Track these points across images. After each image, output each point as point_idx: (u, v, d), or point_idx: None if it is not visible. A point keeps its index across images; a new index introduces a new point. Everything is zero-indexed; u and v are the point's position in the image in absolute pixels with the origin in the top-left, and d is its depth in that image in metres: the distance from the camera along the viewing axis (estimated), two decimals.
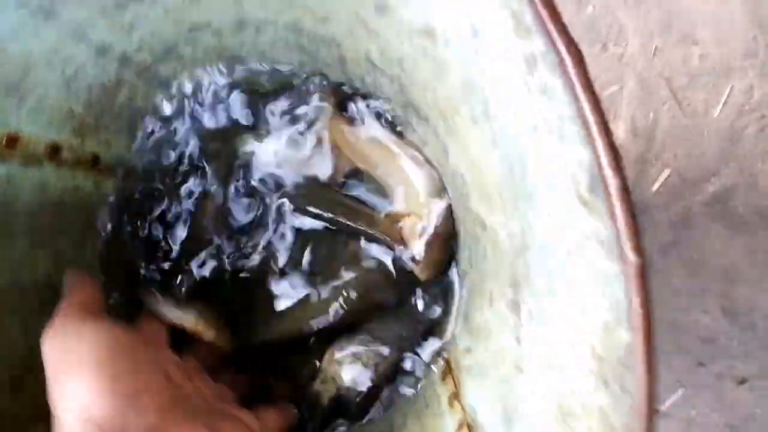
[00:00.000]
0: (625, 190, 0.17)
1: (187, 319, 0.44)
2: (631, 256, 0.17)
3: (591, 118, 0.17)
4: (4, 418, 0.38)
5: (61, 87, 0.39)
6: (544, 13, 0.17)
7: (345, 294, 0.44)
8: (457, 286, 0.43)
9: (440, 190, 0.42)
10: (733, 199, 0.66)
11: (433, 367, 0.44)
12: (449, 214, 0.42)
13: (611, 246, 0.18)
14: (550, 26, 0.17)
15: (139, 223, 0.48)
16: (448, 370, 0.42)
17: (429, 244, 0.41)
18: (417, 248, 0.41)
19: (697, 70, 0.65)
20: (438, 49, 0.28)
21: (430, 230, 0.41)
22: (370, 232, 0.44)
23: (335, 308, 0.44)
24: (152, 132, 0.47)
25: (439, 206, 0.41)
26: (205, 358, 0.44)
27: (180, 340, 0.43)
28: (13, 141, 0.39)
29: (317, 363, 0.45)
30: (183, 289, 0.46)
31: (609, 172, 0.17)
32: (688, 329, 0.67)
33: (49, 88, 0.39)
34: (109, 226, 0.47)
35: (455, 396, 0.39)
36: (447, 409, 0.40)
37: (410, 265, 0.43)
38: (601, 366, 0.21)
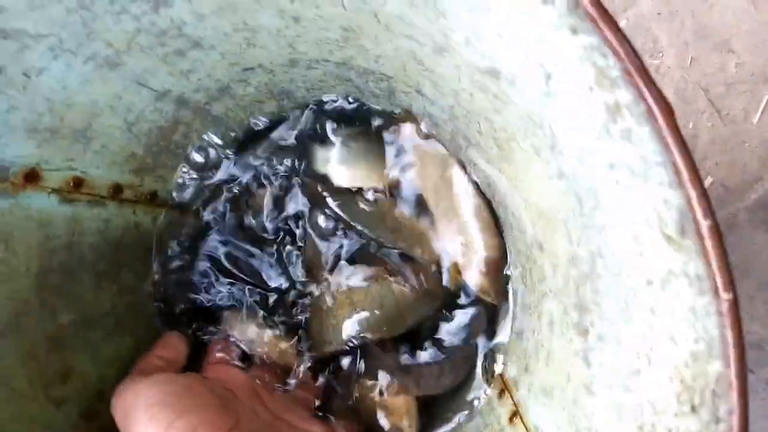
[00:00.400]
0: (717, 231, 0.18)
1: (266, 334, 0.47)
2: (725, 294, 0.18)
3: (682, 164, 0.18)
4: None
5: (124, 131, 0.41)
6: (632, 68, 0.18)
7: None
8: (511, 303, 0.44)
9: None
10: None
11: (487, 387, 0.45)
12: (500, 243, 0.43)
13: (702, 282, 0.19)
14: (639, 80, 0.18)
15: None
16: (504, 389, 0.43)
17: (487, 274, 0.43)
18: (475, 280, 0.43)
19: (734, 79, 0.66)
20: (501, 87, 0.29)
21: (484, 258, 0.43)
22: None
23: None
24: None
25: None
26: (271, 375, 0.47)
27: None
28: (79, 183, 0.41)
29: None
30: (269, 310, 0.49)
31: (701, 215, 0.18)
32: None
33: (113, 132, 0.41)
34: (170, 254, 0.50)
35: (516, 414, 0.40)
36: (507, 426, 0.41)
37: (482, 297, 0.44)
38: (689, 393, 0.22)
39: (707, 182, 0.66)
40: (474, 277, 0.44)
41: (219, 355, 0.46)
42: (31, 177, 0.38)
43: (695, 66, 0.66)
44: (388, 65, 0.37)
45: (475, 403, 0.45)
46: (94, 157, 0.41)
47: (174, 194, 0.49)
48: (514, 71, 0.26)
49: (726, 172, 0.66)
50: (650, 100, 0.18)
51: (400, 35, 0.32)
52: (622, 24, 0.65)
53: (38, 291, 0.40)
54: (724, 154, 0.66)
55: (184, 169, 0.49)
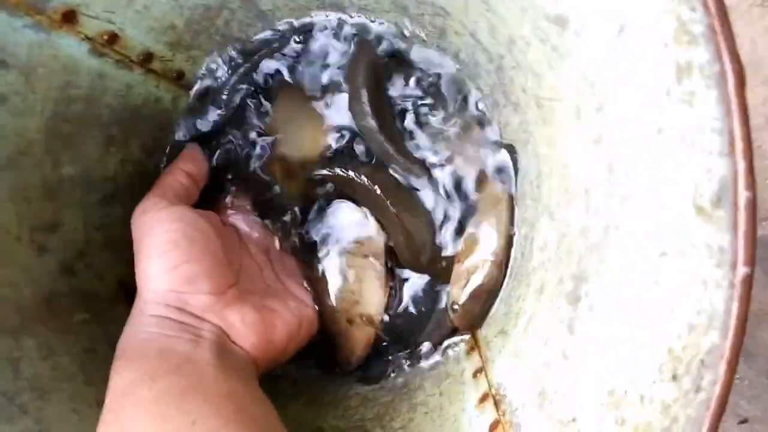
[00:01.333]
0: (754, 205, 0.18)
1: None
2: (744, 267, 0.18)
3: (740, 132, 0.18)
4: (58, 299, 0.40)
5: None
6: (718, 24, 0.18)
7: None
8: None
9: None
10: None
11: (460, 342, 0.45)
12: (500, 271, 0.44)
13: (724, 255, 0.19)
14: (721, 39, 0.18)
15: None
16: (475, 346, 0.44)
17: (474, 297, 0.44)
18: (458, 296, 0.44)
19: None
20: (564, 38, 0.28)
21: (477, 282, 0.43)
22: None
23: None
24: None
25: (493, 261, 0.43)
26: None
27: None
28: (113, 39, 0.40)
29: None
30: None
31: (743, 186, 0.18)
32: None
33: None
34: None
35: (481, 370, 0.41)
36: (470, 380, 0.42)
37: (450, 312, 0.45)
38: (674, 362, 0.22)
39: None
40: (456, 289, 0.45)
41: (237, 202, 0.47)
42: (69, 17, 0.37)
43: None
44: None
45: (447, 352, 0.46)
46: (135, 17, 0.40)
47: (200, 80, 0.48)
48: (585, 20, 0.26)
49: None
50: (727, 62, 0.18)
51: None
52: None
53: (46, 135, 0.39)
54: None
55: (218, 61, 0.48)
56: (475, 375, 0.41)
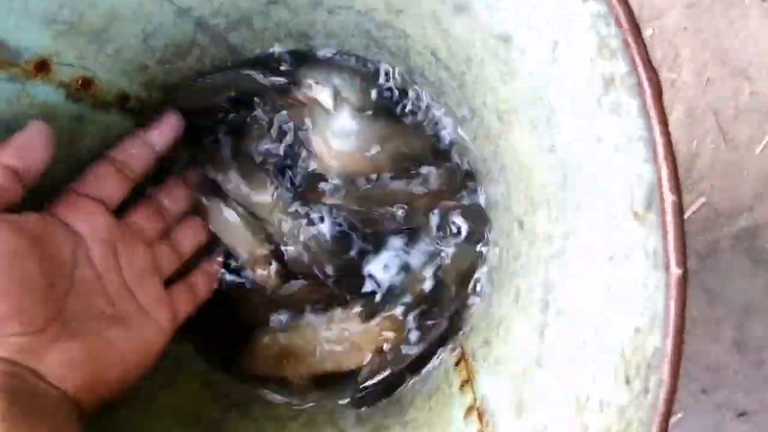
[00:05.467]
0: (680, 208, 0.19)
1: None
2: (676, 269, 0.19)
3: (660, 140, 0.19)
4: None
5: (140, 41, 0.42)
6: (630, 39, 0.19)
7: None
8: (484, 280, 0.45)
9: None
10: (762, 237, 0.68)
11: (450, 353, 0.46)
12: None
13: (658, 257, 0.20)
14: (635, 52, 0.19)
15: None
16: (462, 357, 0.45)
17: None
18: None
19: (745, 106, 0.66)
20: (511, 54, 0.29)
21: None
22: None
23: None
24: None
25: None
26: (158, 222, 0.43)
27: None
28: (87, 83, 0.42)
29: None
30: None
31: (667, 190, 0.19)
32: (697, 356, 0.69)
33: (129, 40, 0.41)
34: None
35: (467, 382, 0.42)
36: (457, 393, 0.42)
37: None
38: (626, 366, 0.23)
39: (699, 202, 0.67)
40: None
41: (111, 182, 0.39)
42: (42, 66, 0.38)
43: (710, 87, 0.66)
44: (409, 22, 0.38)
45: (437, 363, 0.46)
46: (107, 61, 0.42)
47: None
48: (525, 37, 0.27)
49: (719, 196, 0.67)
50: (642, 73, 0.19)
51: None
52: (647, 33, 0.66)
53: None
54: (721, 179, 0.67)
55: None
56: (462, 387, 0.42)
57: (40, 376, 0.30)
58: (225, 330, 0.49)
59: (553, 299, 0.31)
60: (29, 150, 0.35)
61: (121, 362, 0.34)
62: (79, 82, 0.41)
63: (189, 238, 0.46)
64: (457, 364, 0.45)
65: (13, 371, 0.29)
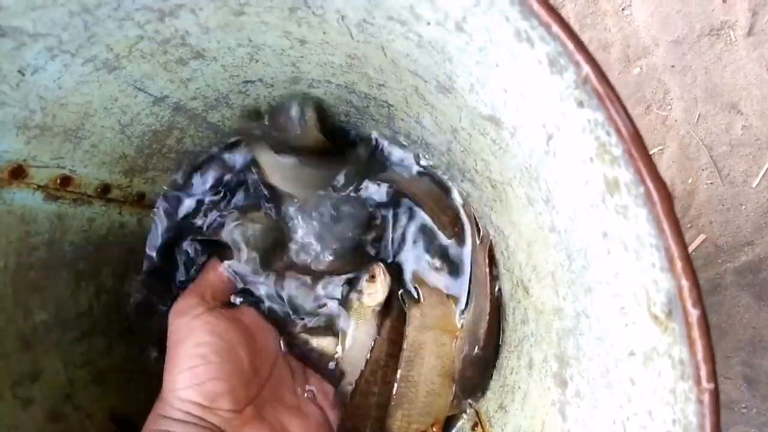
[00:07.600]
0: (705, 321, 0.18)
1: None
2: (707, 384, 0.18)
3: (676, 253, 0.18)
4: None
5: (117, 132, 0.40)
6: (635, 150, 0.18)
7: None
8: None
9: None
10: (765, 270, 0.67)
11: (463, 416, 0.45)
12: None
13: (686, 368, 0.19)
14: (640, 163, 0.18)
15: None
16: (478, 423, 0.43)
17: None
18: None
19: (738, 141, 0.66)
20: (501, 135, 0.29)
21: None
22: None
23: None
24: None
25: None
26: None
27: None
28: (66, 181, 0.40)
29: None
30: None
31: (691, 305, 0.18)
32: None
33: (105, 133, 0.40)
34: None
35: None
36: None
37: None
38: None
39: (699, 240, 0.67)
40: None
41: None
42: (17, 173, 0.37)
43: (702, 123, 0.66)
44: (391, 95, 0.37)
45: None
46: (84, 156, 0.40)
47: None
48: (516, 124, 0.26)
49: (719, 232, 0.66)
50: (650, 184, 0.18)
51: (405, 70, 0.31)
52: (634, 71, 0.65)
53: (14, 287, 0.39)
54: (719, 214, 0.66)
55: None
56: None
57: None
58: None
59: (570, 377, 0.30)
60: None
61: None
62: (57, 181, 0.40)
63: None
64: (473, 428, 0.44)
65: None
